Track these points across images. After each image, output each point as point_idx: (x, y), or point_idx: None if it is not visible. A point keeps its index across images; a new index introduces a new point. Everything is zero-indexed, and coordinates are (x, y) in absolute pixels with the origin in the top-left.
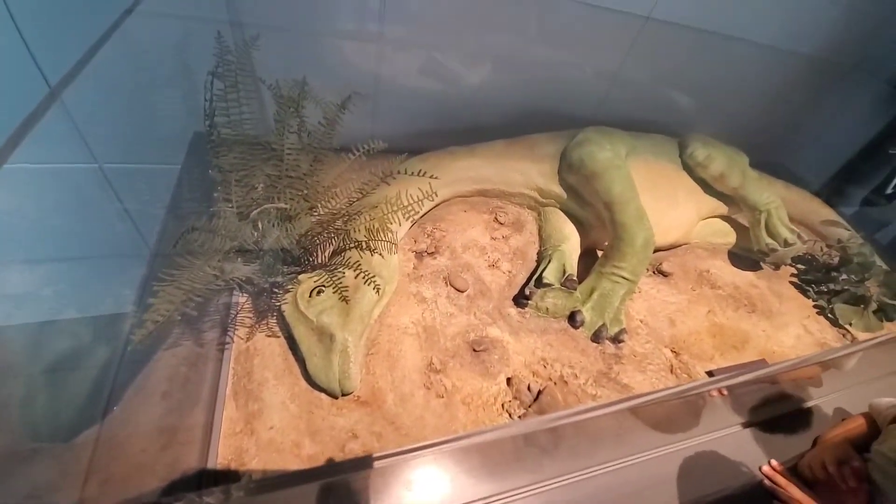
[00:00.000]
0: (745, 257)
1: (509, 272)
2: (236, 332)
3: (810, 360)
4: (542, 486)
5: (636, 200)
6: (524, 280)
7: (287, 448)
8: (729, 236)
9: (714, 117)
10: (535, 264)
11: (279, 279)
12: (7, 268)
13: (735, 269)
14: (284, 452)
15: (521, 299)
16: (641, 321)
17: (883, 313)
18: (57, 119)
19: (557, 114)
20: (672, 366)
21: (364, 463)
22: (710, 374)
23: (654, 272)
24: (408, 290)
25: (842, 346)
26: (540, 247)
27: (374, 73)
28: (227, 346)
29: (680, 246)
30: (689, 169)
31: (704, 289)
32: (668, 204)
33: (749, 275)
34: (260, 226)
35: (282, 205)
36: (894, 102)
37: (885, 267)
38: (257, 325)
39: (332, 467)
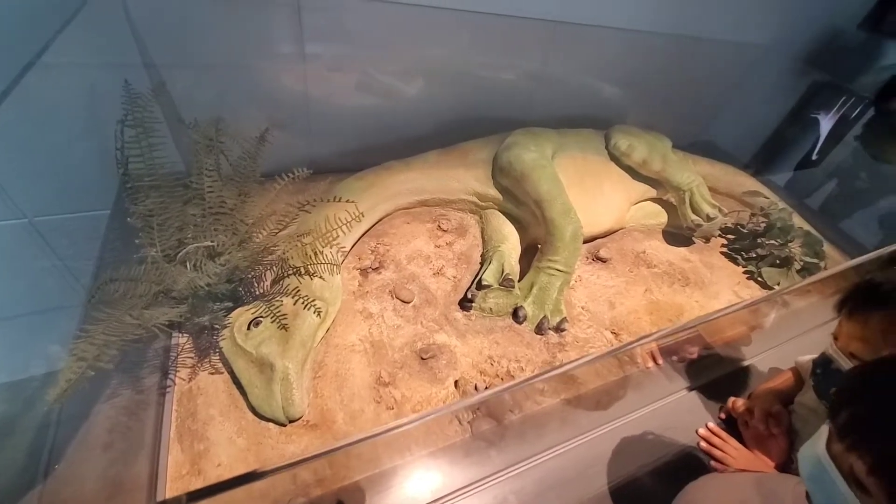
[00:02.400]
0: (678, 235)
1: (454, 277)
2: (177, 374)
3: (725, 311)
4: (492, 480)
5: (562, 196)
6: (469, 283)
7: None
8: (661, 217)
9: (642, 107)
10: (479, 267)
11: (207, 317)
12: None
13: (669, 246)
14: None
15: (465, 303)
16: (583, 308)
17: (806, 271)
18: None
19: (489, 119)
20: (612, 346)
21: (296, 464)
22: None
23: (593, 259)
24: (354, 308)
25: (755, 298)
26: (483, 249)
27: (304, 94)
28: (168, 390)
29: (616, 231)
30: (615, 159)
31: (641, 269)
32: (597, 194)
33: (682, 250)
34: (188, 266)
35: (208, 242)
36: (806, 76)
37: (805, 228)
38: (199, 364)
39: (263, 472)
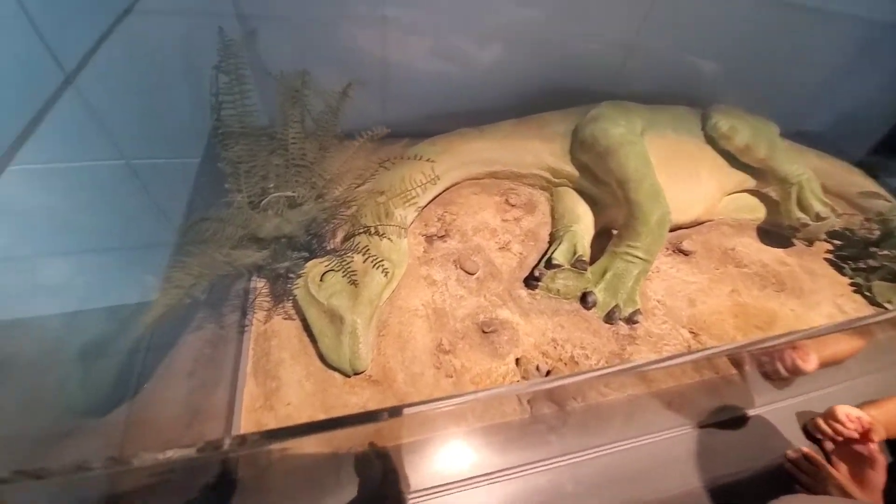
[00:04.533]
0: (774, 233)
1: (520, 254)
2: (255, 315)
3: (834, 326)
4: (549, 463)
5: (651, 177)
6: (535, 261)
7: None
8: (757, 211)
9: (744, 86)
10: (547, 245)
11: (288, 264)
12: (42, 260)
13: (763, 245)
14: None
15: (531, 281)
16: (659, 301)
17: None
18: (85, 121)
19: (572, 90)
20: (690, 346)
21: (370, 417)
22: None
23: (674, 251)
24: (418, 273)
25: (863, 317)
26: (552, 228)
27: (382, 57)
28: (246, 328)
29: (703, 223)
30: (712, 142)
31: (729, 267)
32: (688, 179)
33: (779, 252)
34: (269, 214)
35: (289, 193)
36: None
37: None
38: (274, 309)
39: (338, 420)
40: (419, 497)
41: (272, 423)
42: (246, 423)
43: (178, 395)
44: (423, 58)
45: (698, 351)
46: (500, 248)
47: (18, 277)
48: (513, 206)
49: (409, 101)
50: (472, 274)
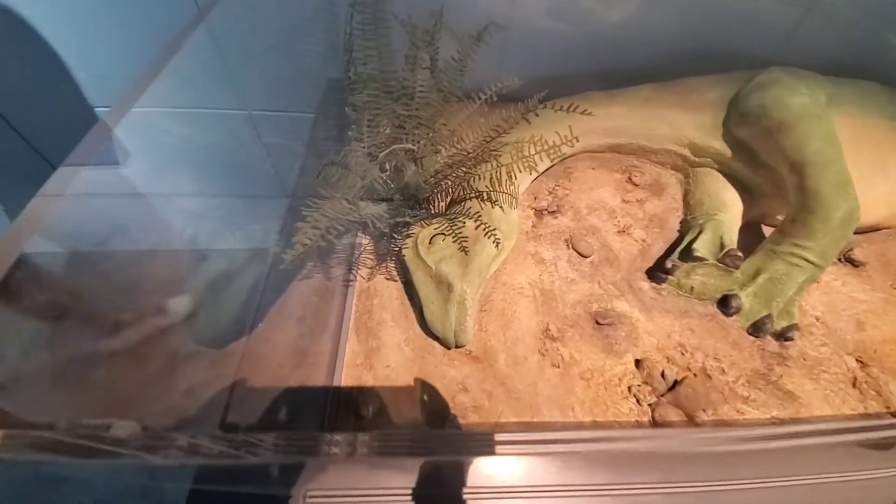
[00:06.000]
0: None
1: (643, 241)
2: (359, 272)
3: None
4: (670, 488)
5: (839, 162)
6: (661, 251)
7: (401, 388)
8: None
9: None
10: (676, 235)
11: (407, 219)
12: (175, 199)
13: None
14: (398, 392)
15: (658, 273)
16: (817, 318)
17: None
18: (216, 68)
19: (724, 54)
20: (855, 379)
21: (484, 441)
22: None
23: (841, 259)
24: (525, 249)
25: None
26: (685, 215)
27: (508, 14)
28: (351, 284)
29: (882, 230)
30: None
31: None
32: (875, 172)
33: None
34: (388, 167)
35: (409, 146)
36: None
37: None
38: (377, 268)
39: (454, 440)
40: (492, 496)
41: (371, 382)
42: (346, 378)
43: (287, 337)
44: (552, 12)
45: None
46: (618, 232)
47: (152, 211)
48: (636, 185)
49: (530, 60)
50: (586, 257)
